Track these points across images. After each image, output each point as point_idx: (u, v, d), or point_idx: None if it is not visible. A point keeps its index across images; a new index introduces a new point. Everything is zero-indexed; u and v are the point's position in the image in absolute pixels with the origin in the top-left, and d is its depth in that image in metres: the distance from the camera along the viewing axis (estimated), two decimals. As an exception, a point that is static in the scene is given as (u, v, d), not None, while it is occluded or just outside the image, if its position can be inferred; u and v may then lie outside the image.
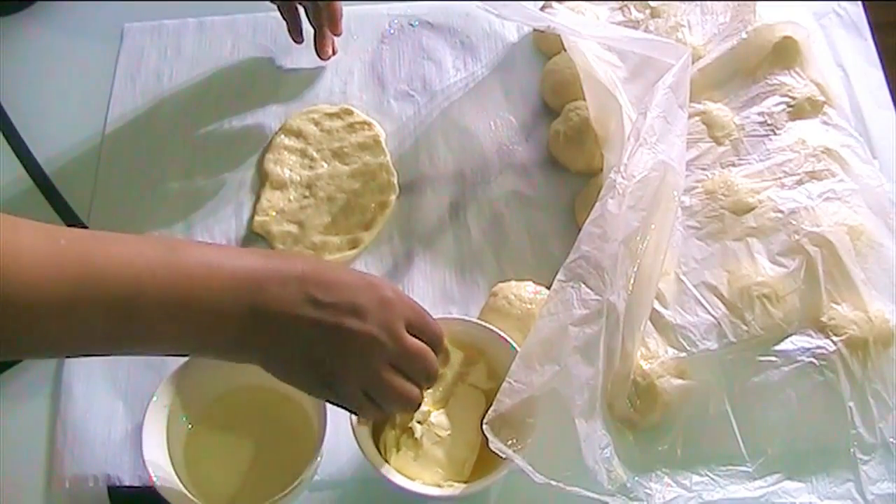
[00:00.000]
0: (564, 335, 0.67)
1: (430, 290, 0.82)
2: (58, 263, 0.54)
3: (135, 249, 0.57)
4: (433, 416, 0.69)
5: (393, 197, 0.86)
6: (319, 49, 0.93)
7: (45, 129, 0.92)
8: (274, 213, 0.85)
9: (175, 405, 0.70)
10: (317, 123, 0.91)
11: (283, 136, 0.90)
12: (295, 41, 0.93)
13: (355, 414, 0.66)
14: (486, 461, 0.68)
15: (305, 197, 0.86)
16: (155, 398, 0.69)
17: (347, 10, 0.98)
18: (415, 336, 0.63)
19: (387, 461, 0.67)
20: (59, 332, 0.55)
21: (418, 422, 0.68)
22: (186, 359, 0.70)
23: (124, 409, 0.75)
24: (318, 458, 0.67)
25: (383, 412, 0.64)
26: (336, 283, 0.61)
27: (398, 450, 0.68)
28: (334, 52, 0.94)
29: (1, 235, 0.53)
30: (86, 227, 0.85)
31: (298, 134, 0.90)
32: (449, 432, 0.68)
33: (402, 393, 0.63)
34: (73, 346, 0.58)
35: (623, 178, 0.71)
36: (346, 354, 0.61)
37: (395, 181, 0.87)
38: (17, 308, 0.52)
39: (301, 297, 0.59)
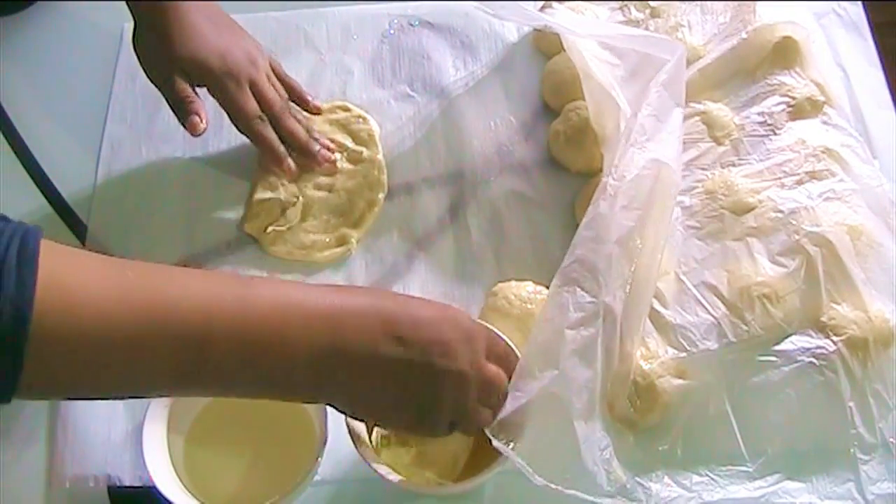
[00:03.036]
0: (561, 339, 0.67)
1: (431, 290, 0.82)
2: (126, 298, 0.51)
3: (205, 284, 0.55)
4: None
5: (381, 195, 0.86)
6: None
7: (45, 129, 0.92)
8: (264, 215, 0.85)
9: (175, 405, 0.70)
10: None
11: None
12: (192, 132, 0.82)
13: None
14: (477, 461, 0.68)
15: (296, 197, 0.86)
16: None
17: (347, 10, 0.98)
18: (491, 361, 0.63)
19: (378, 455, 0.67)
20: (125, 370, 0.53)
21: None
22: (186, 359, 0.70)
23: (124, 409, 0.75)
24: (318, 458, 0.67)
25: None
26: (419, 320, 0.59)
27: (390, 445, 0.68)
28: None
29: (67, 267, 0.51)
30: (85, 227, 0.85)
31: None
32: None
33: (483, 420, 0.64)
34: (140, 386, 0.55)
35: (614, 179, 0.71)
36: (438, 393, 0.60)
37: (385, 179, 0.87)
38: (84, 343, 0.50)
39: (383, 335, 0.58)
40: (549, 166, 0.88)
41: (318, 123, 0.90)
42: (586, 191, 0.83)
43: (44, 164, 0.89)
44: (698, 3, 0.91)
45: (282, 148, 0.85)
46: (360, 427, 0.68)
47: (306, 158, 0.86)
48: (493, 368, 0.63)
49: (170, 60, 0.82)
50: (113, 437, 0.75)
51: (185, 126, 0.82)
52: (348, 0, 0.99)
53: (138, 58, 0.84)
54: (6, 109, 0.93)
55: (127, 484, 0.73)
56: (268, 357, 0.55)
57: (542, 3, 0.92)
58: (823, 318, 0.74)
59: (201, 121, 0.81)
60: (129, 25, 0.96)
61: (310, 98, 0.90)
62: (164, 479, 0.67)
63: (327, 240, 0.84)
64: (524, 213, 0.85)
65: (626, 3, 0.92)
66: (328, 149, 0.87)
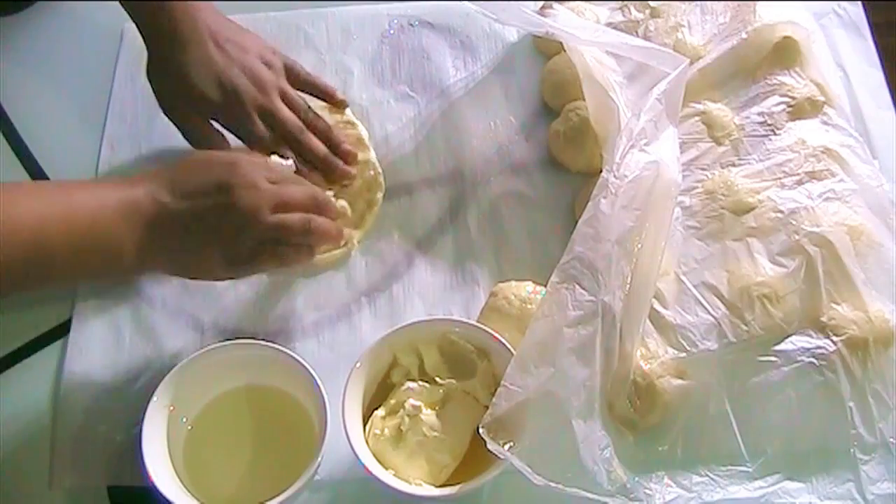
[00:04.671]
0: (559, 337, 0.67)
1: (430, 291, 0.82)
2: None
3: (35, 197, 0.68)
4: (424, 414, 0.69)
5: (380, 194, 0.86)
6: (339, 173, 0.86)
7: (45, 129, 0.92)
8: None
9: (175, 405, 0.70)
10: None
11: None
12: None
13: (280, 264, 0.76)
14: (466, 471, 0.68)
15: None
16: (155, 398, 0.69)
17: (347, 10, 0.98)
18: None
19: (367, 441, 0.68)
20: None
21: (408, 415, 0.68)
22: (186, 359, 0.71)
23: (124, 409, 0.75)
24: (318, 458, 0.67)
25: (302, 249, 0.76)
26: (193, 172, 0.73)
27: (381, 435, 0.68)
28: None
29: None
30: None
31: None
32: (436, 434, 0.68)
33: (296, 220, 0.74)
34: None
35: (615, 177, 0.71)
36: (234, 228, 0.72)
37: (382, 179, 0.87)
38: None
39: (172, 196, 0.70)
40: (549, 166, 0.88)
41: None
42: (586, 191, 0.83)
43: (44, 165, 0.89)
44: (698, 3, 0.91)
45: (303, 168, 0.83)
46: (357, 427, 0.68)
47: (328, 173, 0.85)
48: (274, 188, 0.74)
49: (178, 95, 0.82)
50: (113, 437, 0.75)
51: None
52: (348, 0, 0.99)
53: (154, 92, 0.84)
54: (6, 109, 0.93)
55: (127, 484, 0.73)
56: (94, 254, 0.69)
57: (542, 3, 0.92)
58: (823, 319, 0.74)
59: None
60: (130, 25, 0.97)
61: (335, 92, 0.89)
62: (164, 479, 0.67)
63: None
64: (524, 213, 0.85)
65: (626, 3, 0.92)
66: (351, 154, 0.86)
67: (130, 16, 0.84)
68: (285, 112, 0.84)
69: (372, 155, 0.88)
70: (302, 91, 0.87)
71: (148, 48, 0.83)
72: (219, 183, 0.72)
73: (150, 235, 0.70)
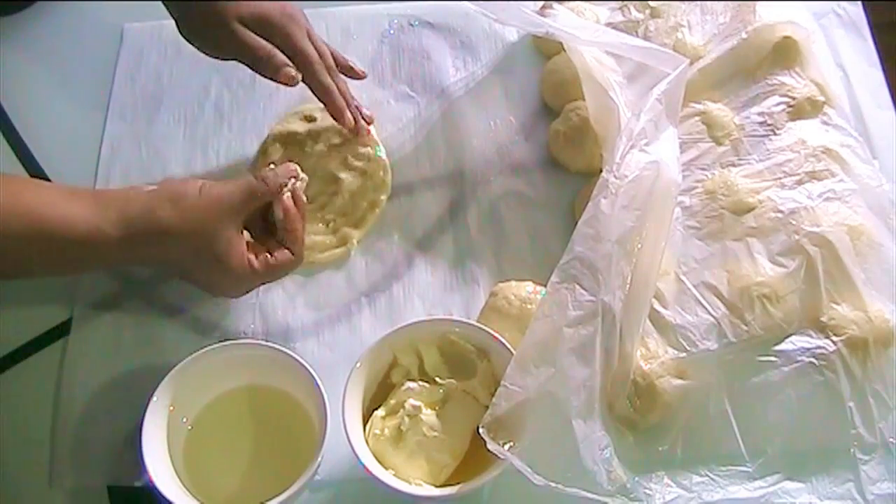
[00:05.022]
0: (559, 337, 0.67)
1: (430, 291, 0.82)
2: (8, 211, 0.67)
3: (36, 193, 0.70)
4: (425, 414, 0.69)
5: (384, 196, 0.86)
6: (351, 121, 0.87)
7: (45, 129, 0.92)
8: None
9: (175, 405, 0.70)
10: (309, 120, 0.90)
11: (269, 143, 0.89)
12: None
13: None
14: (466, 471, 0.68)
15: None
16: (155, 398, 0.69)
17: (347, 10, 0.98)
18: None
19: (367, 441, 0.68)
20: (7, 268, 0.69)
21: (408, 415, 0.69)
22: (186, 359, 0.70)
23: (124, 409, 0.75)
24: (319, 458, 0.67)
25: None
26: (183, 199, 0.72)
27: (381, 435, 0.68)
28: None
29: None
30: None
31: (286, 140, 0.89)
32: (436, 434, 0.68)
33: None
34: (18, 275, 0.74)
35: (615, 177, 0.71)
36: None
37: (389, 180, 0.87)
38: None
39: (161, 203, 0.71)
40: (549, 166, 0.88)
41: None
42: (586, 191, 0.83)
43: (44, 164, 0.89)
44: (698, 3, 0.91)
45: (341, 101, 0.85)
46: (357, 428, 0.68)
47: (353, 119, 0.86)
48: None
49: (229, 24, 0.81)
50: (113, 437, 0.75)
51: (278, 80, 0.82)
52: (348, 0, 0.99)
53: (192, 43, 0.83)
54: (6, 109, 0.93)
55: (127, 484, 0.73)
56: (85, 247, 0.70)
57: (542, 3, 0.92)
58: (823, 319, 0.74)
59: (293, 69, 0.82)
60: (130, 26, 0.97)
61: (354, 64, 0.89)
62: (164, 479, 0.67)
63: (328, 240, 0.84)
64: (524, 213, 0.85)
65: (626, 3, 0.92)
66: (369, 118, 0.89)
67: None
68: (323, 46, 0.86)
69: (383, 154, 0.88)
70: None
71: (176, 19, 0.83)
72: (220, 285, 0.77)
73: (166, 260, 0.73)
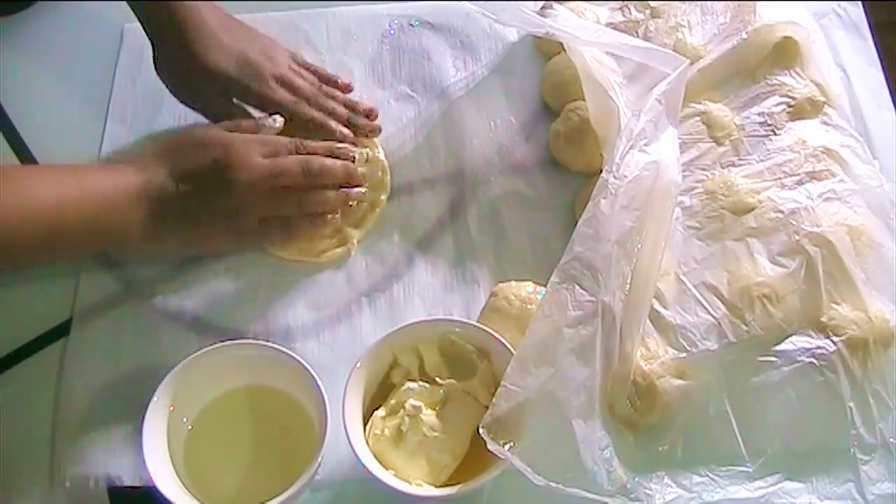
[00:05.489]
0: (559, 337, 0.67)
1: (430, 291, 0.82)
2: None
3: (51, 180, 0.72)
4: (425, 414, 0.69)
5: (384, 196, 0.86)
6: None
7: (45, 129, 0.92)
8: None
9: (175, 405, 0.70)
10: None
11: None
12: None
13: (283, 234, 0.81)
14: (466, 471, 0.68)
15: None
16: (155, 398, 0.69)
17: (347, 10, 0.98)
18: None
19: (367, 441, 0.68)
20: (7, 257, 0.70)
21: (408, 415, 0.69)
22: (186, 359, 0.71)
23: (124, 409, 0.75)
24: (319, 458, 0.67)
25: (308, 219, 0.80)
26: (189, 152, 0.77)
27: (381, 435, 0.68)
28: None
29: None
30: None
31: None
32: (436, 434, 0.68)
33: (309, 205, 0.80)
34: (14, 265, 0.77)
35: (615, 177, 0.71)
36: (232, 199, 0.77)
37: (388, 180, 0.87)
38: None
39: (172, 180, 0.75)
40: (549, 166, 0.88)
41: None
42: (586, 191, 0.83)
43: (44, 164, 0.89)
44: (698, 3, 0.91)
45: (330, 121, 0.86)
46: (357, 428, 0.68)
47: (353, 131, 0.87)
48: (267, 162, 0.78)
49: (194, 80, 0.84)
50: (113, 437, 0.75)
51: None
52: (348, 0, 0.99)
53: (168, 87, 0.86)
54: (6, 109, 0.93)
55: (127, 484, 0.73)
56: (107, 230, 0.74)
57: (542, 3, 0.92)
58: (823, 319, 0.74)
59: (269, 120, 0.84)
60: (130, 26, 0.97)
61: (338, 78, 0.90)
62: (164, 479, 0.67)
63: (328, 241, 0.84)
64: (524, 213, 0.85)
65: (626, 3, 0.92)
66: (372, 111, 0.89)
67: (136, 15, 0.85)
68: (299, 80, 0.87)
69: (381, 155, 0.88)
70: None
71: (155, 46, 0.85)
72: (215, 163, 0.77)
73: (157, 217, 0.75)
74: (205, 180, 0.76)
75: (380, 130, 0.88)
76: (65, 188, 0.72)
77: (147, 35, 0.85)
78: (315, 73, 0.90)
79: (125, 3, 0.84)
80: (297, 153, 0.81)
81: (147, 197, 0.74)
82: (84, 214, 0.72)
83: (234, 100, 0.85)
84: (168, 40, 0.84)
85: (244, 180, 0.77)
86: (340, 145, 0.84)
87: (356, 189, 0.82)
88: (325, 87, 0.89)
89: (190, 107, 0.87)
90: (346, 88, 0.91)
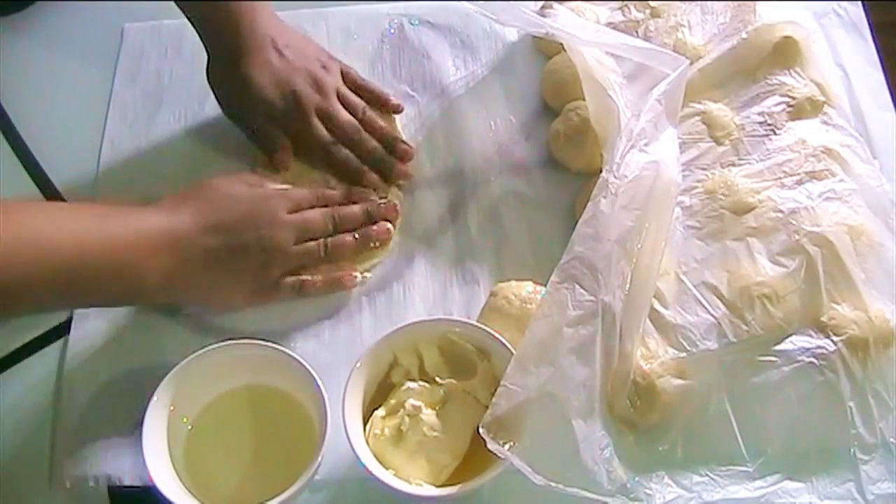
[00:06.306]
0: (559, 337, 0.67)
1: (430, 291, 0.82)
2: (13, 242, 0.64)
3: (73, 218, 0.70)
4: (425, 414, 0.69)
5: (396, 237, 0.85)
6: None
7: (45, 130, 0.92)
8: None
9: (175, 405, 0.70)
10: None
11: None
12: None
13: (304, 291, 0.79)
14: (466, 471, 0.68)
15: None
16: (155, 398, 0.69)
17: (347, 10, 0.98)
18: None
19: (367, 441, 0.68)
20: (16, 304, 0.68)
21: (408, 415, 0.68)
22: (186, 359, 0.71)
23: (124, 409, 0.75)
24: (319, 458, 0.67)
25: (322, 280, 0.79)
26: (224, 208, 0.76)
27: (381, 435, 0.68)
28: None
29: None
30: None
31: None
32: (436, 434, 0.68)
33: (337, 250, 0.79)
34: (28, 310, 0.75)
35: (615, 177, 0.71)
36: (258, 260, 0.76)
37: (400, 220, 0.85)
38: None
39: (200, 231, 0.73)
40: (549, 166, 0.88)
41: None
42: (586, 191, 0.83)
43: (44, 164, 0.89)
44: (698, 3, 0.91)
45: (363, 169, 0.85)
46: (357, 428, 0.68)
47: (385, 173, 0.86)
48: (295, 218, 0.78)
49: (241, 100, 0.85)
50: (113, 437, 0.75)
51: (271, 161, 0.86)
52: (348, 0, 0.99)
53: (215, 95, 0.87)
54: (6, 109, 0.93)
55: (127, 484, 0.73)
56: (125, 281, 0.71)
57: (542, 3, 0.92)
58: (823, 318, 0.74)
59: (286, 157, 0.86)
60: (130, 25, 0.97)
61: (390, 98, 0.90)
62: (164, 479, 0.67)
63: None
64: (524, 213, 0.85)
65: (626, 3, 0.92)
66: (409, 152, 0.87)
67: (188, 18, 0.85)
68: (343, 114, 0.86)
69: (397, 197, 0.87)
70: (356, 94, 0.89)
71: (208, 52, 0.86)
72: (244, 219, 0.76)
73: (177, 267, 0.72)
74: (233, 235, 0.75)
75: (411, 176, 0.87)
76: (87, 228, 0.70)
77: (199, 37, 0.85)
78: (366, 91, 0.89)
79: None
80: (319, 204, 0.80)
81: (171, 245, 0.72)
82: (105, 256, 0.69)
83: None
84: (222, 53, 0.84)
85: (273, 238, 0.76)
86: (361, 189, 0.84)
87: (376, 227, 0.82)
88: (368, 116, 0.88)
89: (231, 117, 0.87)
90: (397, 109, 0.90)
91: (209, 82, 0.87)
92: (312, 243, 0.78)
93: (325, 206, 0.81)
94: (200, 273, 0.74)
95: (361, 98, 0.89)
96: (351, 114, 0.87)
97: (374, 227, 0.81)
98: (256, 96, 0.84)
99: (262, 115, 0.85)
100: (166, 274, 0.72)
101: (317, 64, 0.87)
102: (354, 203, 0.82)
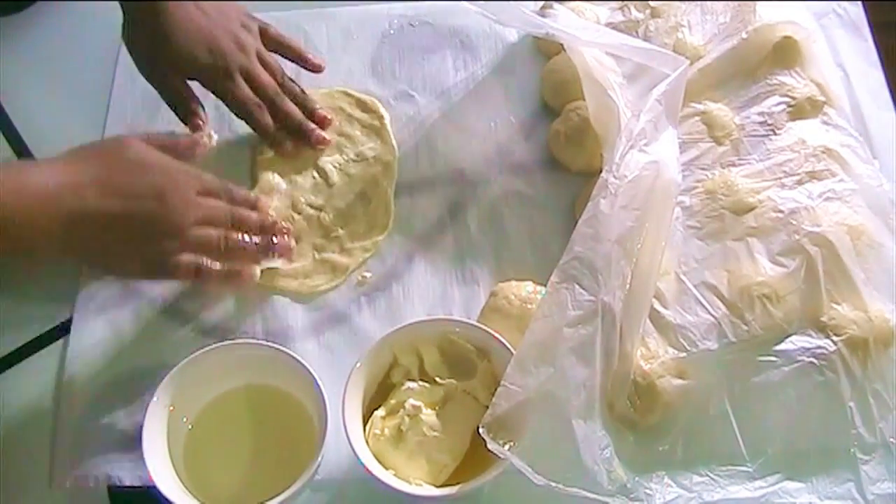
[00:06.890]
0: (559, 337, 0.67)
1: (430, 291, 0.82)
2: None
3: None
4: (424, 414, 0.69)
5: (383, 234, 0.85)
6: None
7: (45, 129, 0.92)
8: None
9: (175, 405, 0.70)
10: None
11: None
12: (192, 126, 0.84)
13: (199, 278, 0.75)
14: (466, 471, 0.68)
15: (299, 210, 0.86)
16: (155, 398, 0.69)
17: (347, 10, 0.98)
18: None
19: (367, 441, 0.68)
20: None
21: (408, 415, 0.69)
22: (186, 359, 0.71)
23: (124, 409, 0.75)
24: (318, 458, 0.67)
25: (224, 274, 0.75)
26: (127, 171, 0.72)
27: (381, 435, 0.68)
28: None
29: None
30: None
31: None
32: (436, 434, 0.68)
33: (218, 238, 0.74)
34: None
35: (615, 177, 0.71)
36: (156, 235, 0.72)
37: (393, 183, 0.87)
38: None
39: (100, 193, 0.69)
40: (549, 166, 0.88)
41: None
42: (586, 191, 0.83)
43: (44, 164, 0.89)
44: (698, 3, 0.91)
45: (278, 134, 0.86)
46: (357, 428, 0.68)
47: (302, 139, 0.87)
48: (201, 201, 0.74)
49: (160, 57, 0.83)
50: (113, 437, 0.75)
51: (186, 124, 0.84)
52: (348, 0, 0.99)
53: (131, 55, 0.85)
54: (6, 109, 0.93)
55: (127, 484, 0.73)
56: (10, 235, 0.67)
57: (542, 3, 0.92)
58: (823, 318, 0.74)
59: (201, 120, 0.84)
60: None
61: (309, 56, 0.91)
62: (164, 479, 0.67)
63: (323, 276, 0.83)
64: (524, 213, 0.85)
65: (626, 3, 0.92)
66: (326, 120, 0.88)
67: None
68: (264, 76, 0.86)
69: (393, 141, 0.89)
70: (275, 53, 0.89)
71: (125, 13, 0.84)
72: (153, 189, 0.72)
73: (60, 227, 0.68)
74: (136, 202, 0.71)
75: (329, 142, 0.88)
76: None
77: (121, 5, 0.84)
78: (286, 48, 0.90)
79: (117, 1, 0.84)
80: (226, 198, 0.78)
81: (55, 202, 0.68)
82: None
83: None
84: (139, 13, 0.82)
85: (176, 213, 0.73)
86: (266, 216, 0.80)
87: (281, 241, 0.79)
88: (287, 80, 0.88)
89: (145, 78, 0.85)
90: (316, 68, 0.91)
91: (126, 44, 0.84)
92: (213, 231, 0.75)
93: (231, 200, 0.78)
94: (91, 234, 0.70)
95: (283, 54, 0.90)
96: (271, 75, 0.87)
97: (278, 241, 0.79)
98: (179, 53, 0.82)
99: (182, 72, 0.84)
100: (48, 232, 0.68)
101: (237, 23, 0.87)
102: (255, 210, 0.80)
